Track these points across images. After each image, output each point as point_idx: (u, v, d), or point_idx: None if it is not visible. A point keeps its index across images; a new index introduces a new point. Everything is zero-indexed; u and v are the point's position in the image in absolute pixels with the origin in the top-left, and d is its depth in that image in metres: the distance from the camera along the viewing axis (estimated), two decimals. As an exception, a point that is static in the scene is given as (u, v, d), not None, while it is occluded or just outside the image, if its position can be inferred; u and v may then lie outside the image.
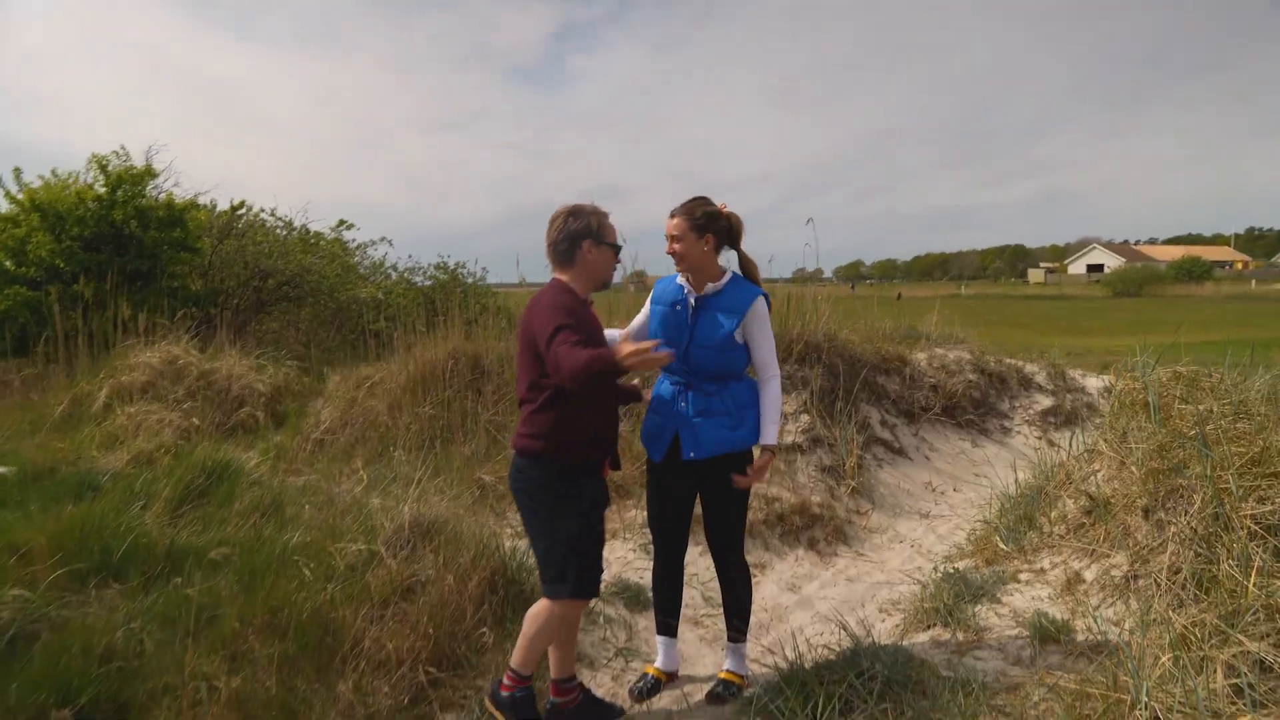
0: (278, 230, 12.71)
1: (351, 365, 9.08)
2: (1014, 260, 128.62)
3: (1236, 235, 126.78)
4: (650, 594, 3.61)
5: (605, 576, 4.30)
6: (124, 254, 9.60)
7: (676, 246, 3.14)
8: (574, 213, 2.89)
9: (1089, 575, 3.65)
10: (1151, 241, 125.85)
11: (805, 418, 5.75)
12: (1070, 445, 4.78)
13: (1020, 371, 7.24)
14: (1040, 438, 6.70)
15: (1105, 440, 4.46)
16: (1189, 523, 3.30)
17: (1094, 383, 7.43)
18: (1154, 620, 2.90)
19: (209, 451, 6.65)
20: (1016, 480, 4.97)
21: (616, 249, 2.99)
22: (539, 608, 2.93)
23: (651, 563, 3.58)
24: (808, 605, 4.21)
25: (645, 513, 3.58)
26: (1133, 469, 3.87)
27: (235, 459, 6.66)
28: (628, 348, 2.48)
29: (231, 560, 4.69)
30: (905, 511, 5.47)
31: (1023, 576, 3.95)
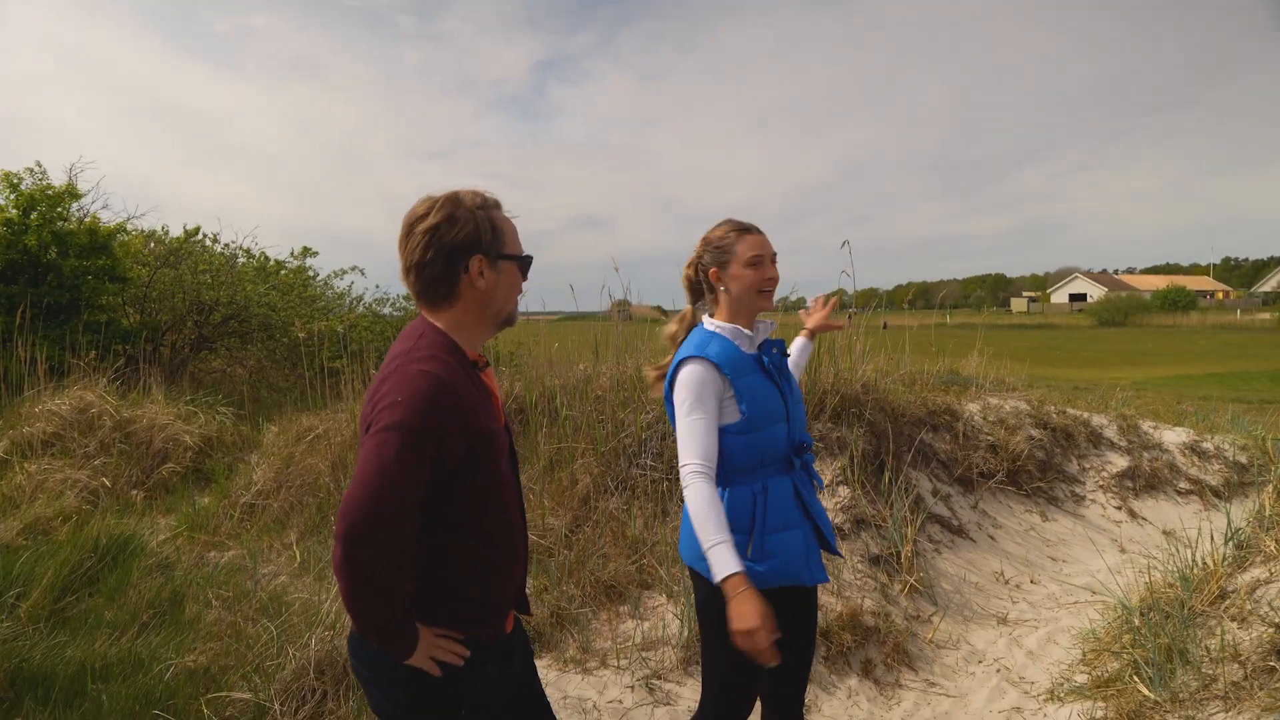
0: (235, 258, 11.51)
1: (298, 412, 7.84)
2: (995, 289, 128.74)
3: (1214, 265, 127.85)
4: None
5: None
6: (39, 285, 8.35)
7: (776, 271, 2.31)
8: (449, 215, 1.66)
9: (1315, 765, 2.45)
10: (1130, 271, 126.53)
11: (845, 491, 4.55)
12: (1222, 545, 3.59)
13: (1087, 425, 6.09)
14: (1120, 508, 5.53)
15: (1274, 539, 3.29)
16: None
17: (1171, 437, 6.29)
18: None
19: (108, 524, 5.44)
20: (1147, 583, 3.76)
21: (524, 263, 1.79)
22: None
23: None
24: (879, 780, 2.99)
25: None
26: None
27: (137, 534, 5.45)
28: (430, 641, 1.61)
29: (92, 695, 3.57)
30: (977, 615, 4.27)
31: (1194, 749, 2.75)
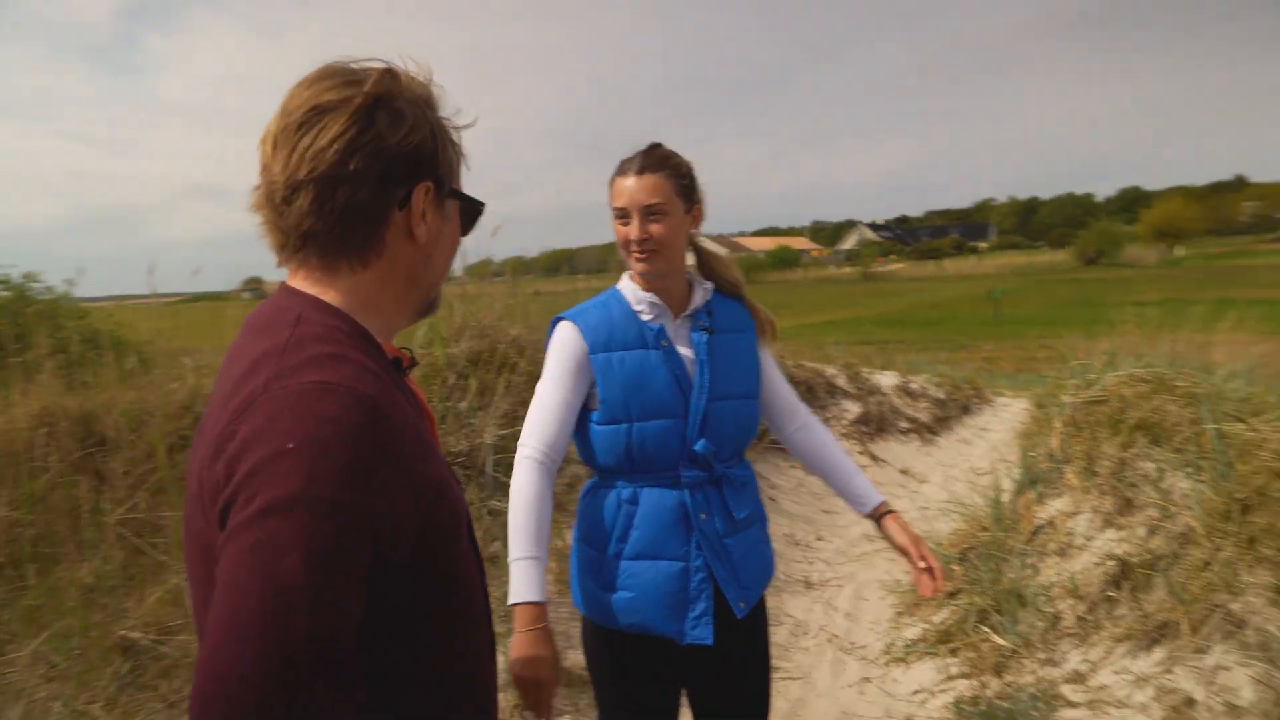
0: None
1: None
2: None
3: (806, 228, 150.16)
4: None
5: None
6: None
7: (657, 228, 1.64)
8: (395, 110, 0.89)
9: (1197, 692, 2.51)
10: (742, 234, 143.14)
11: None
12: (1023, 482, 3.73)
13: (823, 375, 6.33)
14: (863, 452, 5.80)
15: (1074, 472, 3.47)
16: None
17: (885, 380, 6.79)
18: None
19: None
20: (956, 529, 3.81)
21: (474, 211, 1.06)
22: None
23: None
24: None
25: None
26: (1192, 523, 2.83)
27: None
28: None
29: None
30: (785, 582, 4.11)
31: (1069, 693, 2.74)
